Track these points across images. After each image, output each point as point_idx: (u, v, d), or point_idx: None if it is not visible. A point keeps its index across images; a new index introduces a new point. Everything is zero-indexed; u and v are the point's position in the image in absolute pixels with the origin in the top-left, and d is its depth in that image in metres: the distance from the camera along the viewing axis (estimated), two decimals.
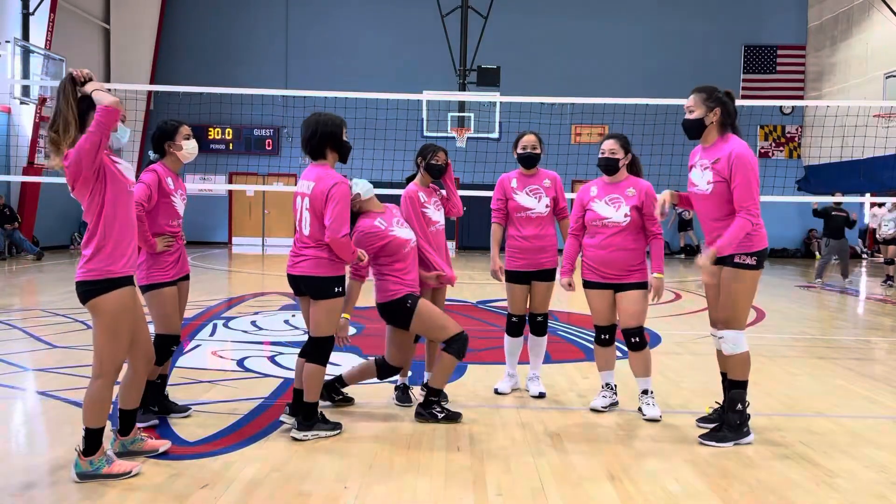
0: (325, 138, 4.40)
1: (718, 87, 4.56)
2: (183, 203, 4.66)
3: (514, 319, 5.44)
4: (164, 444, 4.05)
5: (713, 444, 4.37)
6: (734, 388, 4.46)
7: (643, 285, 4.93)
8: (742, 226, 4.26)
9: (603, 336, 5.06)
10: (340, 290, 4.40)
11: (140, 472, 3.70)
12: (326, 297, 4.35)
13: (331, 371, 5.10)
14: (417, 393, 5.05)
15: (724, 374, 4.67)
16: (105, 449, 3.68)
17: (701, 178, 4.48)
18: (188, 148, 4.60)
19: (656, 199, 4.80)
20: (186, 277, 4.70)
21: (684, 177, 4.69)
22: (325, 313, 4.38)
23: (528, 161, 5.32)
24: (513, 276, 5.37)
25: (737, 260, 4.37)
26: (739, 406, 4.42)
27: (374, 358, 5.01)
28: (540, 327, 5.43)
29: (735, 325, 4.42)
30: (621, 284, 4.92)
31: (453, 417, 4.75)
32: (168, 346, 4.54)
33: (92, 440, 3.61)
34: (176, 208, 4.58)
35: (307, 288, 4.40)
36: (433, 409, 4.75)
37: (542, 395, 5.36)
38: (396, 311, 4.69)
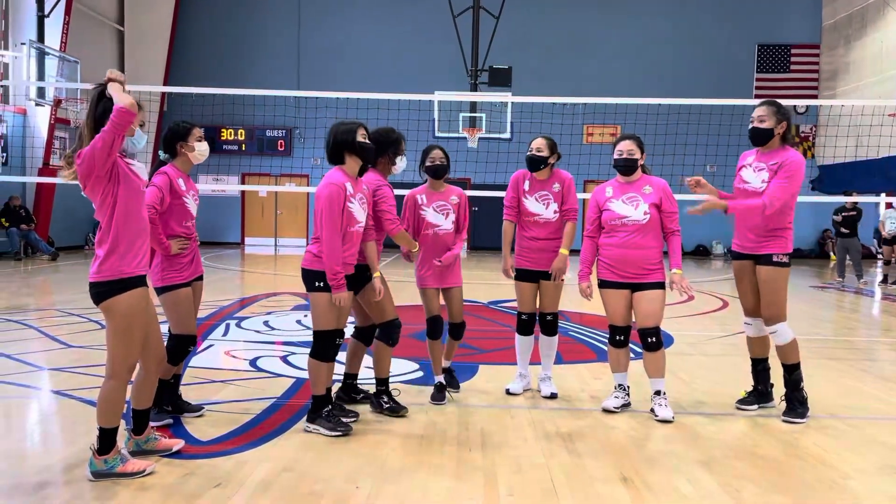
0: (338, 146, 4.50)
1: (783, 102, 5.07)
2: (195, 203, 4.69)
3: (524, 317, 5.44)
4: (177, 444, 4.07)
5: (798, 420, 4.85)
6: (793, 371, 4.96)
7: (661, 285, 4.95)
8: (758, 207, 4.78)
9: (617, 337, 5.04)
10: (321, 284, 4.37)
11: (154, 470, 3.73)
12: (310, 290, 4.43)
13: (340, 370, 5.12)
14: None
15: (755, 360, 5.20)
16: (119, 448, 3.71)
17: (755, 177, 4.95)
18: (200, 149, 4.63)
19: (673, 197, 4.98)
20: (200, 278, 4.73)
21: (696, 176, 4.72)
22: (313, 307, 4.45)
23: (532, 164, 5.27)
24: (521, 275, 5.36)
25: (775, 259, 4.91)
26: (802, 384, 4.97)
27: (351, 336, 5.10)
28: (550, 327, 5.41)
29: (781, 318, 4.93)
30: (639, 284, 4.92)
31: (397, 410, 4.84)
32: (185, 346, 4.57)
33: (106, 439, 3.64)
34: (189, 209, 4.60)
35: (302, 279, 4.50)
36: (381, 398, 4.90)
37: (553, 396, 5.35)
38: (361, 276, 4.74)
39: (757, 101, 5.10)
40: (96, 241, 3.65)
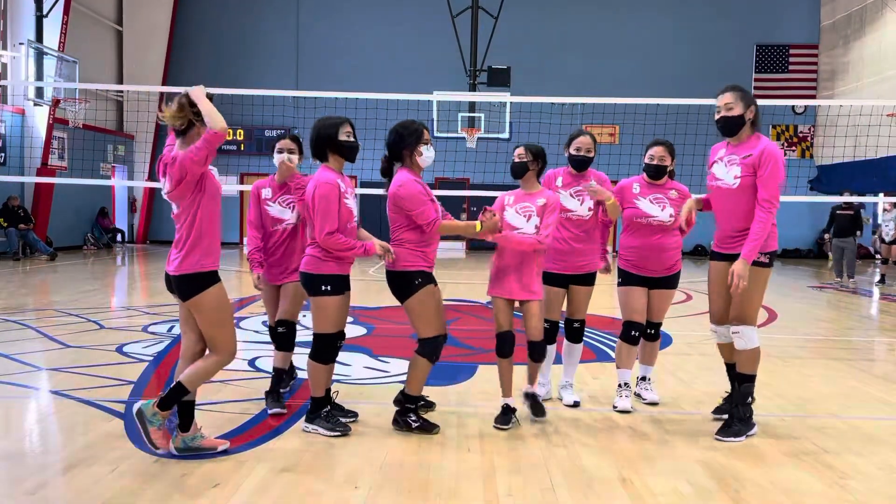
0: (320, 142, 4.41)
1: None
2: (285, 208, 5.00)
3: (546, 326, 5.04)
4: (223, 444, 4.08)
5: (731, 439, 4.44)
6: (744, 381, 4.55)
7: (677, 284, 5.18)
8: (764, 220, 4.31)
9: (633, 332, 5.10)
10: (328, 288, 4.32)
11: (227, 447, 4.01)
12: (314, 293, 4.38)
13: (340, 370, 5.10)
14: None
15: (729, 365, 4.79)
16: (197, 425, 4.02)
17: (727, 173, 4.49)
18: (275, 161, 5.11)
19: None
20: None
21: (695, 177, 4.69)
22: (316, 310, 4.40)
23: (581, 165, 5.06)
24: (550, 279, 5.05)
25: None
26: (750, 399, 4.55)
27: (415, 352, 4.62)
28: (577, 334, 5.22)
29: (748, 321, 4.49)
30: (659, 282, 5.08)
31: (428, 428, 4.49)
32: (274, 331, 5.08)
33: (186, 415, 3.98)
34: (271, 213, 4.99)
35: (302, 284, 4.49)
36: (408, 416, 4.53)
37: (576, 405, 5.13)
38: (402, 284, 4.47)
39: (757, 101, 4.89)
40: (176, 241, 3.92)
